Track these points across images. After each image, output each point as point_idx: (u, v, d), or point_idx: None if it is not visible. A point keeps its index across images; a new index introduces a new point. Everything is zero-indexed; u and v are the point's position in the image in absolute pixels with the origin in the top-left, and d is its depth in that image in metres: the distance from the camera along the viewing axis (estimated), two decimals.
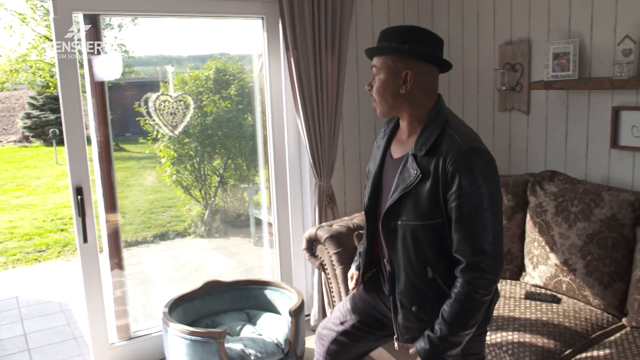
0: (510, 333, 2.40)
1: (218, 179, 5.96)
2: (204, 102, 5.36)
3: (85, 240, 2.98)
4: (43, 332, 4.21)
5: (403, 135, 1.88)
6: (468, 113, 3.84)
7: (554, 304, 2.64)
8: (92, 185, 3.02)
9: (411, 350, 1.79)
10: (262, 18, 3.44)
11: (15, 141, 20.10)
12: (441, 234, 1.72)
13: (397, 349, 1.97)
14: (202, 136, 5.77)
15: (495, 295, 1.87)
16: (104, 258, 3.33)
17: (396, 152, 1.89)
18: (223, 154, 5.96)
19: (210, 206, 6.06)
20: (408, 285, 1.81)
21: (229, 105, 5.61)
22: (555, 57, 3.07)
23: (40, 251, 6.98)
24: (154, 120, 6.70)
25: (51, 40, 14.62)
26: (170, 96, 3.46)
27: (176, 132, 3.53)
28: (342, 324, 2.15)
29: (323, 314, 3.59)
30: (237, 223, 6.12)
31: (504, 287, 2.89)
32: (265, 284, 3.36)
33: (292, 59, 3.29)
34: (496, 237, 1.64)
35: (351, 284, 2.25)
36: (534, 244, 2.84)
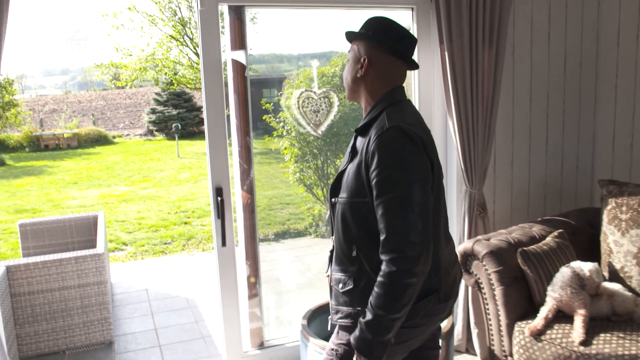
0: None
1: None
2: None
3: (224, 243, 2.86)
4: (172, 329, 4.21)
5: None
6: None
7: None
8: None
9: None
10: (412, 9, 3.16)
11: (140, 135, 21.34)
12: (366, 214, 1.69)
13: (328, 329, 1.97)
14: (328, 134, 5.59)
15: (426, 300, 1.72)
16: (239, 257, 3.19)
17: None
18: None
19: None
20: (338, 262, 1.82)
21: (355, 104, 5.39)
22: None
23: (165, 243, 7.17)
24: (279, 117, 6.61)
25: (177, 40, 15.18)
26: (314, 92, 3.26)
27: (319, 131, 3.33)
28: None
29: (467, 334, 3.26)
30: None
31: None
32: None
33: (445, 53, 2.97)
34: (419, 215, 1.59)
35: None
36: None
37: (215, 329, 4.10)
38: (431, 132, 3.23)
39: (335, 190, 1.81)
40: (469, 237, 3.17)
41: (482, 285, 2.73)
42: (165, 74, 18.27)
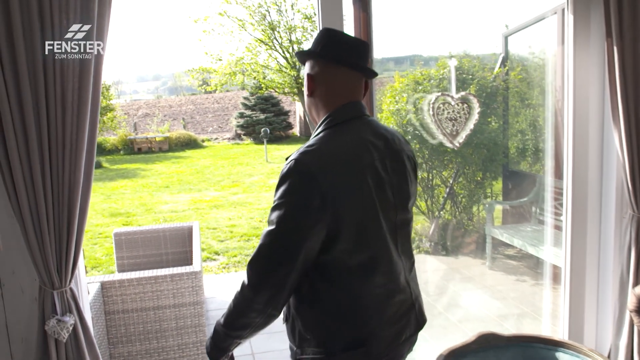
0: None
1: (447, 190, 5.28)
2: None
3: None
4: (271, 355, 3.89)
5: None
6: None
7: None
8: None
9: None
10: None
11: (229, 138, 21.59)
12: None
13: None
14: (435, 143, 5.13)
15: (347, 353, 1.54)
16: None
17: None
18: (458, 163, 5.25)
19: (436, 219, 5.40)
20: None
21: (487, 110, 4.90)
22: None
23: None
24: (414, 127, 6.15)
25: (266, 44, 15.06)
26: (452, 97, 2.79)
27: (456, 143, 2.86)
28: None
29: None
30: (467, 241, 5.40)
31: None
32: (557, 344, 2.55)
33: (614, 48, 2.43)
34: (284, 257, 1.46)
35: None
36: None
37: None
38: (587, 145, 2.71)
39: None
40: (636, 273, 2.59)
41: None
42: (254, 78, 18.34)
